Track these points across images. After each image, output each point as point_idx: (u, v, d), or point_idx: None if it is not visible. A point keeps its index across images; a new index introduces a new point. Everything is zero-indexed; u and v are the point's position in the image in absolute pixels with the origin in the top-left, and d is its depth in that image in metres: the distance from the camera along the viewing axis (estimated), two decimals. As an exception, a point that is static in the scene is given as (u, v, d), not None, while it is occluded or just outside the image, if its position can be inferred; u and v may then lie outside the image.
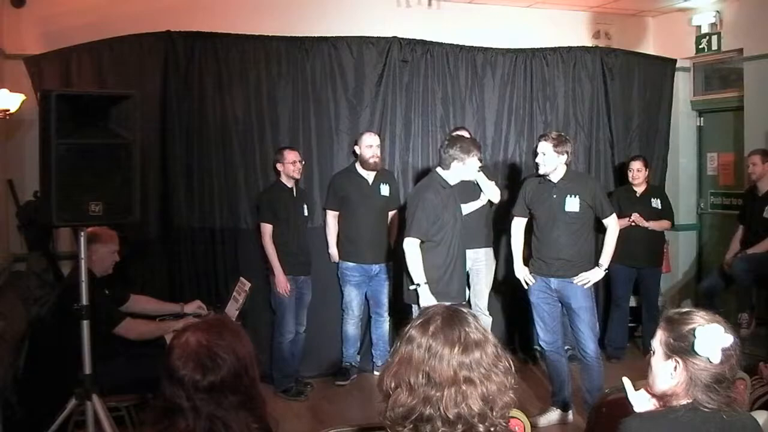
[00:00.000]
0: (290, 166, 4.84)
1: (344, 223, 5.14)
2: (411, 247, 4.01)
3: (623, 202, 5.52)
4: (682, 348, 1.75)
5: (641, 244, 5.50)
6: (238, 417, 1.57)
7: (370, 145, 5.05)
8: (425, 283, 3.98)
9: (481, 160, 5.12)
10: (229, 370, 1.58)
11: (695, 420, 1.73)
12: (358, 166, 5.12)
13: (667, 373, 1.78)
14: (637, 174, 5.56)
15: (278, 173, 4.91)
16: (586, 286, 4.21)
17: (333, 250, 5.17)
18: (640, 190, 5.62)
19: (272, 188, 4.95)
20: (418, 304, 3.96)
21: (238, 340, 1.65)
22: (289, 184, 4.90)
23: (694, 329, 1.74)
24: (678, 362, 1.76)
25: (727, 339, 1.72)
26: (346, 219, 5.13)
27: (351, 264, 5.12)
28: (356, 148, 5.14)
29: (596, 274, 4.24)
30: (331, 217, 5.17)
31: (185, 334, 1.63)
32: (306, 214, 5.03)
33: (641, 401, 1.87)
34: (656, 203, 5.60)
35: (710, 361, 1.71)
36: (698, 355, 1.72)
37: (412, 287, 4.03)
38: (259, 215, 4.92)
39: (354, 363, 5.25)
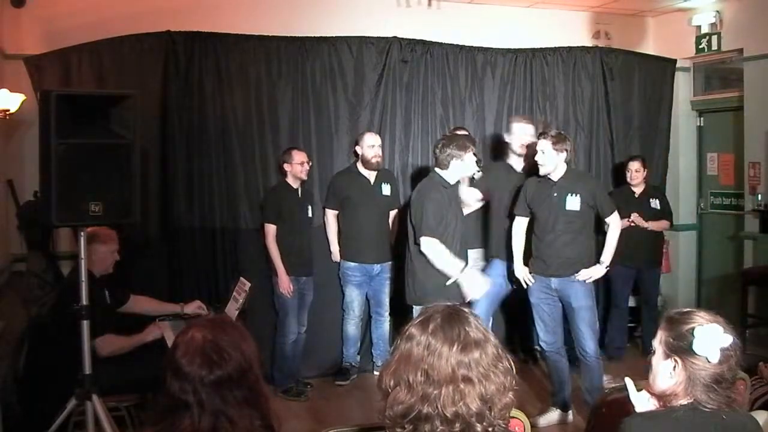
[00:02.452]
0: (298, 167, 4.83)
1: (346, 223, 5.12)
2: (431, 245, 3.95)
3: (622, 203, 5.50)
4: (681, 347, 1.75)
5: (641, 245, 5.50)
6: (242, 413, 1.58)
7: (372, 145, 5.04)
8: (462, 271, 3.96)
9: (480, 160, 5.14)
10: (234, 366, 1.59)
11: (695, 420, 1.73)
12: (359, 165, 5.11)
13: (666, 373, 1.78)
14: (636, 174, 5.56)
15: (284, 173, 4.90)
16: (588, 281, 4.21)
17: (335, 248, 5.16)
18: (638, 190, 5.61)
19: (277, 189, 4.94)
20: (463, 300, 3.95)
21: (242, 337, 1.65)
22: (295, 184, 4.89)
23: (693, 328, 1.74)
24: (677, 362, 1.76)
25: (726, 339, 1.72)
26: (347, 219, 5.11)
27: (352, 264, 5.10)
28: (357, 148, 5.12)
29: (598, 271, 4.25)
30: (331, 216, 5.15)
31: (190, 331, 1.63)
32: (310, 215, 5.02)
33: (642, 401, 1.87)
34: (655, 203, 5.60)
35: (708, 361, 1.71)
36: (697, 354, 1.73)
37: (449, 282, 3.98)
38: (262, 216, 4.91)
39: (354, 363, 5.25)
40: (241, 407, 1.58)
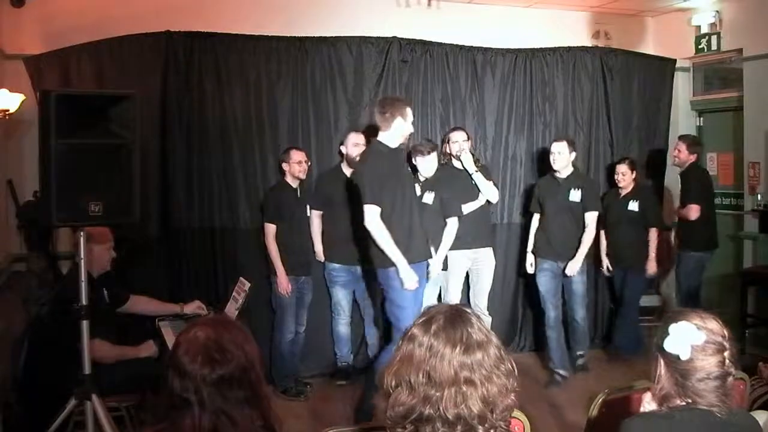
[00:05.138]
0: (296, 166, 4.82)
1: (330, 224, 5.04)
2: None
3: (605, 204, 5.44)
4: (659, 346, 1.78)
5: (626, 247, 5.46)
6: (243, 413, 1.58)
7: (356, 144, 4.96)
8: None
9: (479, 160, 5.16)
10: (237, 365, 1.59)
11: (692, 419, 1.73)
12: (344, 166, 5.05)
13: (655, 372, 1.80)
14: (622, 177, 5.41)
15: (283, 173, 4.90)
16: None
17: (318, 248, 5.08)
18: (623, 192, 5.48)
19: (277, 188, 4.93)
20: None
21: (244, 336, 1.66)
22: (294, 184, 4.88)
23: (668, 326, 1.75)
24: (659, 360, 1.78)
25: (698, 337, 1.72)
26: (332, 219, 5.03)
27: (337, 265, 5.05)
28: (342, 148, 5.06)
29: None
30: (315, 217, 5.07)
31: (193, 329, 1.63)
32: (308, 214, 5.02)
33: (646, 403, 1.88)
34: (633, 206, 5.42)
35: (680, 358, 1.72)
36: (668, 351, 1.74)
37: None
38: (263, 215, 4.91)
39: (349, 362, 5.22)
40: (242, 407, 1.58)
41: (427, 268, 4.32)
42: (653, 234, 5.47)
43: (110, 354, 3.58)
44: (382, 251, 3.93)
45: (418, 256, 4.09)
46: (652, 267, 5.46)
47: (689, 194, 5.44)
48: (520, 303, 5.79)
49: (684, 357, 1.72)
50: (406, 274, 3.91)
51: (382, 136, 4.09)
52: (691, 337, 1.72)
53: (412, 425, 1.38)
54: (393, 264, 3.93)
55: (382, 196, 3.92)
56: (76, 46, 4.85)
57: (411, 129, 4.20)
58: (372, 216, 3.89)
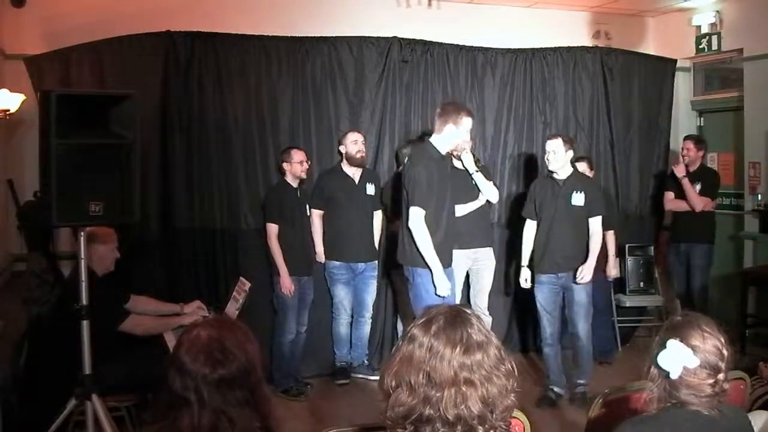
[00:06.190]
0: (297, 166, 4.83)
1: (332, 223, 5.06)
2: None
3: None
4: (654, 354, 1.78)
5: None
6: (242, 413, 1.58)
7: (355, 141, 5.00)
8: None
9: (479, 160, 5.16)
10: (238, 366, 1.59)
11: (680, 419, 1.74)
12: (344, 165, 5.07)
13: (648, 373, 1.81)
14: None
15: (284, 173, 4.91)
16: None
17: (320, 249, 5.09)
18: None
19: (277, 188, 4.94)
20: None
21: (246, 338, 1.66)
22: (294, 184, 4.89)
23: (667, 340, 1.75)
24: (652, 367, 1.78)
25: (692, 361, 1.72)
26: (333, 218, 5.05)
27: (338, 263, 5.07)
28: (341, 148, 5.07)
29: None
30: (317, 216, 5.07)
31: (195, 329, 1.64)
32: (309, 214, 5.02)
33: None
34: None
35: (669, 376, 1.73)
36: (660, 366, 1.74)
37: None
38: (264, 215, 4.91)
39: (347, 362, 5.24)
40: (242, 408, 1.58)
41: None
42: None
43: (152, 325, 3.67)
44: (419, 253, 3.97)
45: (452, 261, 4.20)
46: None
47: (711, 191, 5.61)
48: (520, 303, 5.78)
49: (673, 376, 1.72)
50: (440, 280, 3.96)
51: (434, 139, 4.10)
52: (684, 360, 1.72)
53: (412, 426, 1.38)
54: (427, 265, 3.98)
55: (429, 201, 3.96)
56: (76, 46, 4.85)
57: (463, 137, 4.17)
58: (417, 218, 3.95)
